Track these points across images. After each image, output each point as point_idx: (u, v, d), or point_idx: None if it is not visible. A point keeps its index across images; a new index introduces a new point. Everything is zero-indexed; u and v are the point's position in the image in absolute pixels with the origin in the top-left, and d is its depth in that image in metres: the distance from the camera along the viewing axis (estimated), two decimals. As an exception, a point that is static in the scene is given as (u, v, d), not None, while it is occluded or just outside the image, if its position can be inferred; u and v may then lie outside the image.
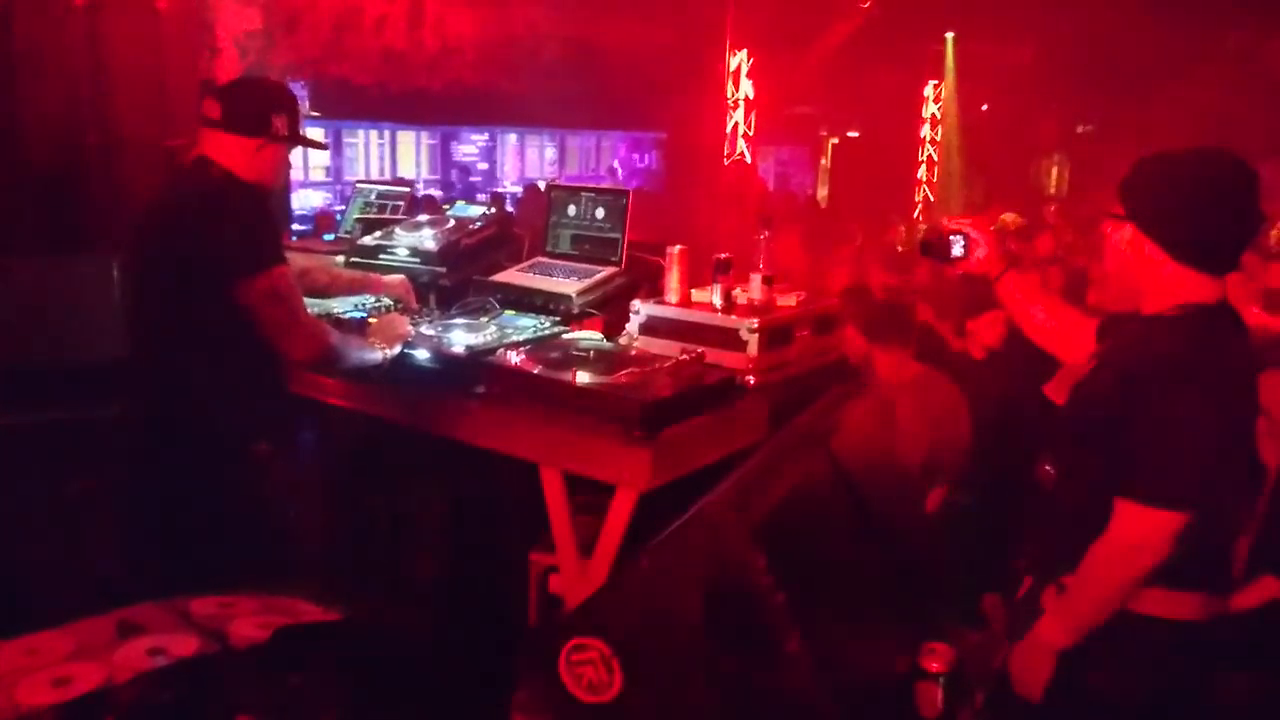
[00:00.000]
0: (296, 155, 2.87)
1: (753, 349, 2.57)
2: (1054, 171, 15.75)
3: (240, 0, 6.05)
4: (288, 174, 2.84)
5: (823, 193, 14.97)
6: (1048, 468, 2.18)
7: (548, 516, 2.55)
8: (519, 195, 12.22)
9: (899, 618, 2.02)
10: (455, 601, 2.97)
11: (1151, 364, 1.96)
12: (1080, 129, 14.61)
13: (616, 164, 15.52)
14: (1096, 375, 2.14)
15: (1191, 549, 1.91)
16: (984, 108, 12.71)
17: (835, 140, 14.88)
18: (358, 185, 4.09)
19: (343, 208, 9.57)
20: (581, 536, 2.52)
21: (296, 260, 2.92)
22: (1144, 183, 2.03)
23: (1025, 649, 2.05)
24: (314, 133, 3.22)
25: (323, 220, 9.35)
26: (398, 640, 2.04)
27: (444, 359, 2.67)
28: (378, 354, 2.63)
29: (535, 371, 2.45)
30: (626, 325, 2.80)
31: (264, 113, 2.52)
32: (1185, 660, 2.01)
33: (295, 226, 8.57)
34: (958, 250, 2.36)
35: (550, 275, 3.07)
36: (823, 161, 15.60)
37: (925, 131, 13.06)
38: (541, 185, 11.42)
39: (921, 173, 13.10)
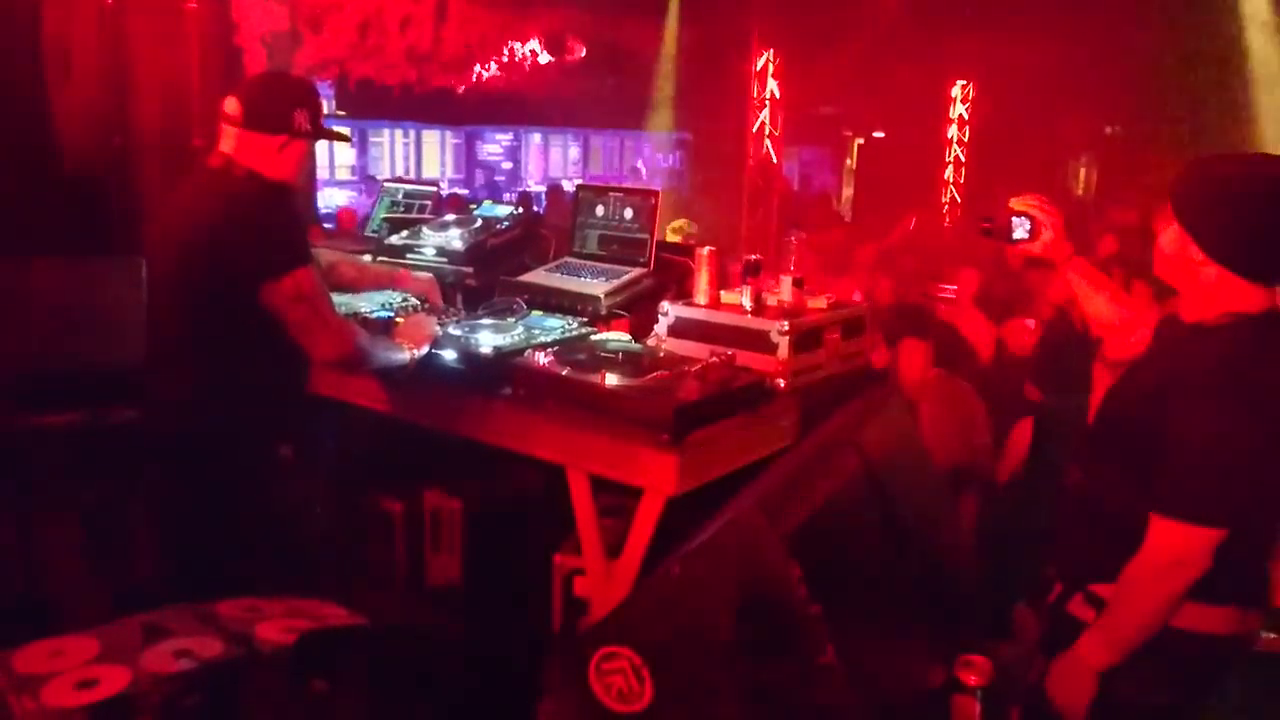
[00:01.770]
0: (322, 154, 2.84)
1: (783, 352, 2.54)
2: (1081, 173, 15.59)
3: (267, 0, 6.06)
4: (313, 170, 2.82)
5: (847, 193, 14.89)
6: (1077, 473, 2.13)
7: (573, 518, 2.53)
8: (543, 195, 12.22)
9: (933, 629, 1.98)
10: (479, 605, 2.95)
11: (1188, 375, 1.91)
12: (1109, 130, 14.45)
13: (640, 164, 15.51)
14: (1131, 382, 2.09)
15: (1227, 563, 1.86)
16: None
17: (860, 140, 14.80)
18: (385, 185, 4.08)
19: (362, 199, 9.56)
20: (607, 539, 2.49)
21: (324, 255, 2.91)
22: (1192, 184, 1.96)
23: (1065, 668, 2.00)
24: (336, 128, 3.23)
25: (345, 217, 9.39)
26: (422, 645, 2.02)
27: (471, 360, 2.65)
28: (405, 354, 2.61)
29: (563, 373, 2.43)
30: (655, 327, 2.77)
31: (286, 109, 2.50)
32: (1217, 675, 1.97)
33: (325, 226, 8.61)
34: (1020, 233, 2.29)
35: (578, 276, 3.04)
36: (848, 162, 15.52)
37: (952, 132, 12.96)
38: (566, 185, 11.43)
39: (948, 173, 13.00)
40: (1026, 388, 4.52)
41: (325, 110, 2.70)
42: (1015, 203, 2.33)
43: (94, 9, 4.47)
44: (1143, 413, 1.96)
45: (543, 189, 12.84)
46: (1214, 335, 1.92)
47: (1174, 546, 1.87)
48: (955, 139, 13.00)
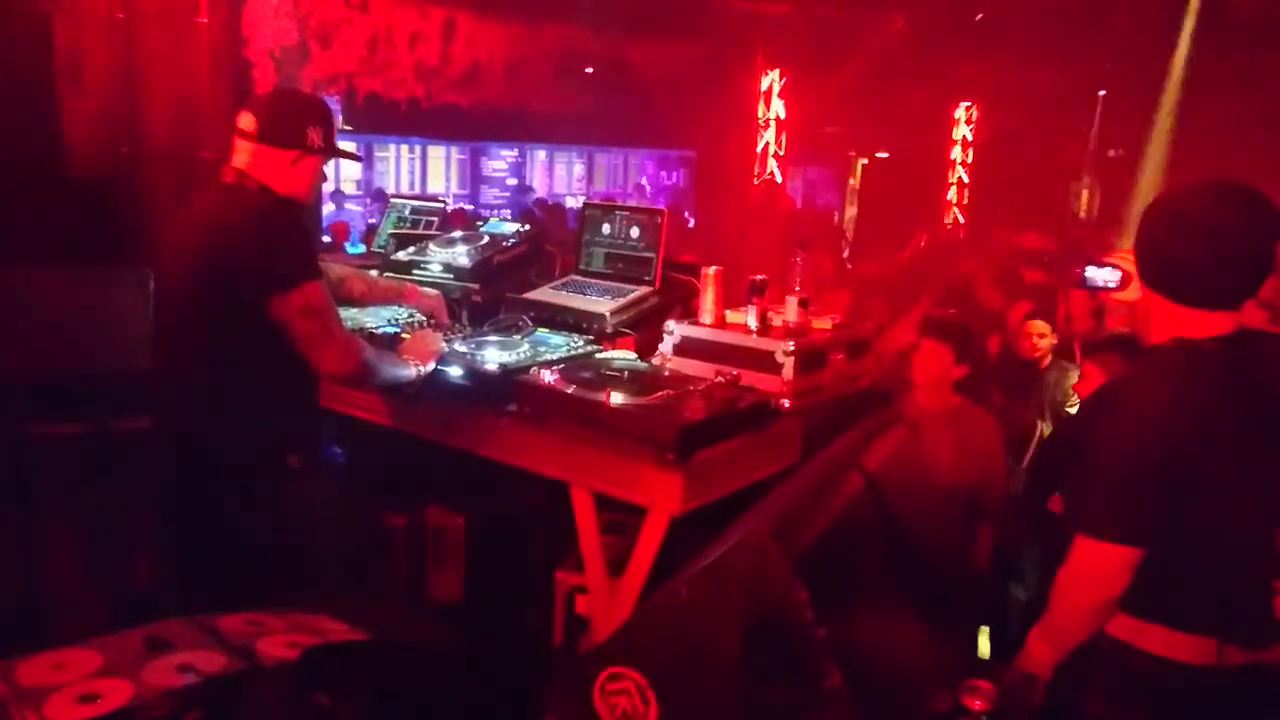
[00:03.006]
0: (329, 167, 2.85)
1: (788, 372, 2.54)
2: (1084, 195, 15.63)
3: (277, 14, 6.09)
4: (321, 186, 2.82)
5: (851, 212, 14.92)
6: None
7: (575, 535, 2.53)
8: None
9: (939, 652, 1.98)
10: (481, 621, 2.94)
11: (1109, 396, 2.00)
12: (1111, 153, 14.51)
13: (644, 181, 15.56)
14: (1083, 406, 2.15)
15: (1182, 587, 1.89)
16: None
17: (864, 161, 14.85)
18: (391, 200, 4.09)
19: (375, 220, 9.58)
20: (610, 557, 2.49)
21: (333, 269, 2.92)
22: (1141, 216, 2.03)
23: (1017, 662, 2.08)
24: (346, 145, 3.23)
25: (339, 231, 9.42)
26: (424, 661, 2.01)
27: (476, 376, 2.65)
28: (411, 370, 2.61)
29: (568, 391, 2.43)
30: (660, 346, 2.78)
31: (299, 125, 2.52)
32: (1181, 703, 1.94)
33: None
34: (1097, 281, 2.35)
35: (584, 293, 3.05)
36: (851, 182, 15.56)
37: (955, 153, 13.01)
38: (571, 202, 11.47)
39: (951, 194, 13.05)
40: (993, 391, 4.67)
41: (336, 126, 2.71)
42: (1108, 259, 2.37)
43: (105, 21, 4.50)
44: (1076, 433, 2.11)
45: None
46: (1151, 357, 1.99)
47: (1085, 561, 1.92)
48: (959, 160, 13.06)
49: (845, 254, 9.64)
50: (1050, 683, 2.03)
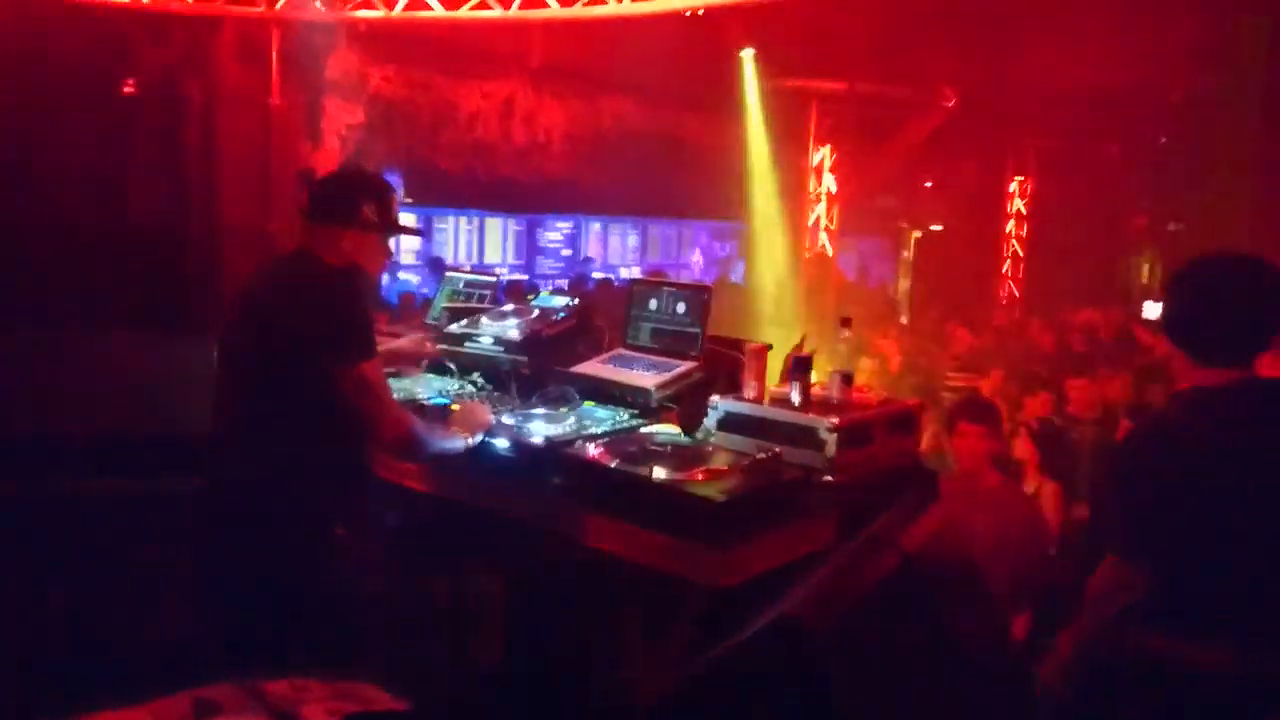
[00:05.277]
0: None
1: (831, 449, 2.55)
2: (1145, 270, 15.44)
3: (345, 95, 6.36)
4: (388, 260, 2.88)
5: (904, 285, 14.87)
6: None
7: (616, 604, 2.54)
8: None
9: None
10: (520, 686, 2.94)
11: (1128, 436, 2.39)
12: (1172, 227, 14.34)
13: (698, 252, 15.67)
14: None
15: (1205, 603, 2.09)
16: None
17: (918, 233, 14.85)
18: (446, 273, 4.19)
19: (430, 291, 9.73)
20: (649, 628, 2.49)
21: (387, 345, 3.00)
22: None
23: (1048, 659, 2.34)
24: (407, 218, 3.32)
25: (406, 301, 9.61)
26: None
27: (523, 449, 2.70)
28: (459, 442, 2.67)
29: (612, 465, 2.46)
30: (704, 421, 2.80)
31: (354, 202, 2.61)
32: (1207, 708, 2.10)
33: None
34: None
35: (629, 368, 3.10)
36: (904, 254, 15.54)
37: (1010, 226, 12.98)
38: (624, 272, 11.59)
39: (1006, 267, 12.98)
40: None
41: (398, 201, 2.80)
42: None
43: (186, 104, 4.74)
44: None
45: (599, 276, 13.01)
46: (1167, 402, 2.32)
47: (1105, 574, 2.19)
48: (1013, 234, 13.01)
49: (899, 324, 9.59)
50: (1083, 697, 2.23)
